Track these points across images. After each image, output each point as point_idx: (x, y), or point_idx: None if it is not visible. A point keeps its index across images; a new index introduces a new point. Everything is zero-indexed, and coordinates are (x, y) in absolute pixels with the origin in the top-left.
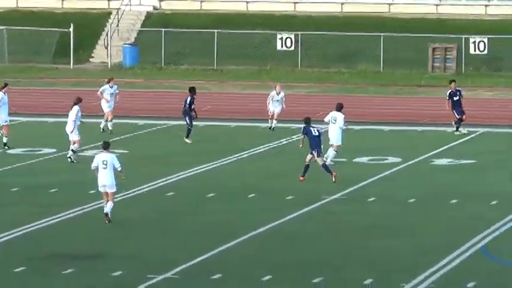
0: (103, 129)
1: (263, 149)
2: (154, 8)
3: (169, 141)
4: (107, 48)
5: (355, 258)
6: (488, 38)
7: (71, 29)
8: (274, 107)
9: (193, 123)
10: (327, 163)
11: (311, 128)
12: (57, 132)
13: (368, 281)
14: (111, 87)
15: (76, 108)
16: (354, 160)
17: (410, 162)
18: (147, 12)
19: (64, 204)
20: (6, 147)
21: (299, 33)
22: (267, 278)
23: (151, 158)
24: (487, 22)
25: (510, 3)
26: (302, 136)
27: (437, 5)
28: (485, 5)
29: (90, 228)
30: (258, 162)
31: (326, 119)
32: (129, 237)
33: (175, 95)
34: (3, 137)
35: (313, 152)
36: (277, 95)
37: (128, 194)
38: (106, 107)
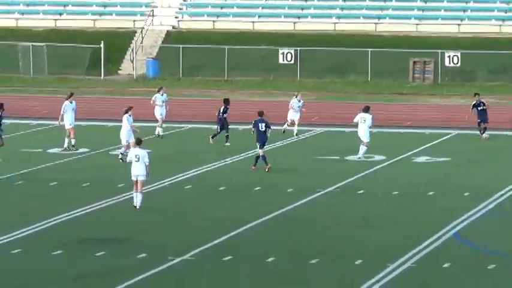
0: (158, 135)
1: (267, 148)
2: (173, 27)
3: (188, 142)
4: (132, 61)
5: (347, 243)
6: (461, 52)
7: (102, 46)
8: (293, 115)
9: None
10: (359, 158)
11: (259, 124)
12: (90, 134)
13: (358, 261)
14: (162, 95)
15: (125, 116)
16: (346, 158)
17: (393, 160)
18: (167, 31)
19: (95, 196)
20: (74, 148)
21: (298, 48)
22: (271, 259)
23: (171, 155)
24: (460, 39)
25: (480, 22)
26: (253, 129)
27: (417, 24)
28: (458, 24)
29: (119, 217)
30: (270, 157)
31: (355, 120)
32: (152, 225)
33: (192, 101)
34: (71, 139)
35: (257, 143)
36: (299, 101)
37: (151, 187)
38: (158, 114)
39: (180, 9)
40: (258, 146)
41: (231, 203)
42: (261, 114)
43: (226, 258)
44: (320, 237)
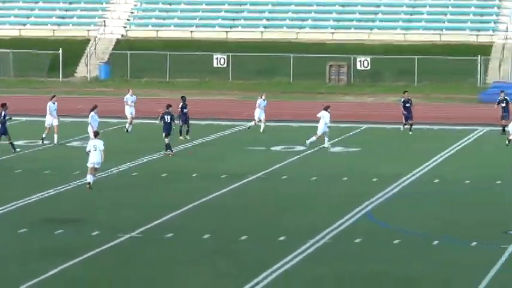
0: (127, 130)
1: (208, 140)
2: (122, 35)
3: (136, 136)
4: (87, 65)
5: (272, 222)
6: (370, 57)
7: (60, 52)
8: (260, 114)
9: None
10: (308, 142)
11: (165, 116)
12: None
13: (282, 238)
14: (132, 96)
15: (91, 114)
16: (272, 148)
17: (312, 150)
18: (117, 39)
19: (55, 182)
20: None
21: (230, 54)
22: (206, 236)
23: (123, 146)
24: (369, 46)
25: (387, 31)
26: (160, 121)
27: (332, 33)
28: (368, 33)
29: (75, 199)
30: (206, 148)
31: (318, 115)
32: (104, 207)
33: (138, 100)
34: (55, 135)
35: (163, 133)
36: (264, 101)
37: (103, 174)
38: (128, 112)
39: (128, 20)
40: (164, 135)
41: (172, 188)
42: (168, 107)
43: (169, 235)
44: (249, 217)
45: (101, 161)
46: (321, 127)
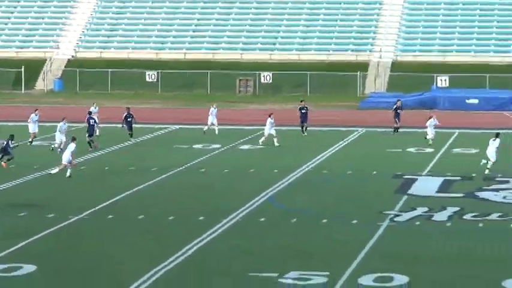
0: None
1: (142, 140)
2: (72, 56)
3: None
4: (44, 80)
5: (194, 205)
6: (272, 73)
7: (22, 69)
8: (213, 120)
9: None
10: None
11: (90, 120)
12: (15, 131)
13: (201, 218)
14: (95, 108)
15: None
16: (193, 146)
17: (226, 147)
18: (68, 59)
19: (18, 174)
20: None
21: (159, 71)
22: (140, 217)
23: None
24: (271, 64)
25: (284, 52)
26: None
27: (241, 54)
28: (270, 54)
29: (36, 188)
30: (140, 147)
31: (268, 121)
32: (60, 194)
33: (86, 109)
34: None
35: (87, 133)
36: (215, 109)
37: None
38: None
39: (77, 43)
40: (87, 135)
41: (114, 179)
42: (90, 113)
43: (110, 217)
44: (174, 202)
45: (70, 159)
46: (267, 130)
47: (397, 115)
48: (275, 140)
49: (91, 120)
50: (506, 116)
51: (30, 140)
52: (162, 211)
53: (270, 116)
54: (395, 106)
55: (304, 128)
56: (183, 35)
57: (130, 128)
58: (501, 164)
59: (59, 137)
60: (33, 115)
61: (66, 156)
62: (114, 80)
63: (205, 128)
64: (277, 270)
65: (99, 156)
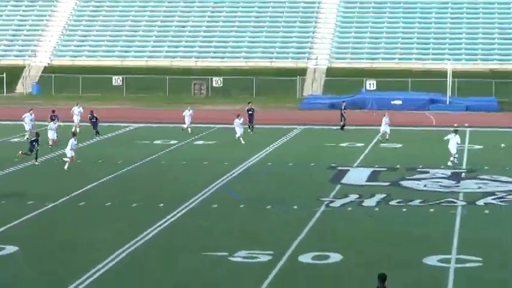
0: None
1: (108, 137)
2: (48, 63)
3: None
4: (23, 85)
5: (155, 194)
6: (222, 78)
7: (4, 75)
8: (188, 120)
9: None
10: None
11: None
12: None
13: (161, 204)
14: (79, 108)
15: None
16: (154, 142)
17: (182, 143)
18: (44, 66)
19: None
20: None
21: (125, 76)
22: (108, 203)
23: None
24: (222, 69)
25: (233, 59)
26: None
27: (196, 61)
28: (221, 61)
29: (19, 179)
30: (107, 142)
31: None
32: (38, 184)
33: (61, 109)
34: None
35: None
36: (189, 111)
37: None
38: (76, 120)
39: (52, 53)
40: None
41: (85, 170)
42: (53, 111)
43: (81, 204)
44: (137, 191)
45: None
46: (238, 130)
47: (342, 114)
48: (241, 138)
49: (93, 119)
50: (426, 115)
51: (26, 137)
52: (127, 198)
53: (237, 117)
54: (343, 106)
55: (251, 127)
56: (145, 44)
57: (95, 127)
58: (422, 156)
59: (51, 135)
60: (27, 114)
61: (68, 150)
62: (84, 84)
63: (185, 126)
64: (228, 250)
65: (84, 150)
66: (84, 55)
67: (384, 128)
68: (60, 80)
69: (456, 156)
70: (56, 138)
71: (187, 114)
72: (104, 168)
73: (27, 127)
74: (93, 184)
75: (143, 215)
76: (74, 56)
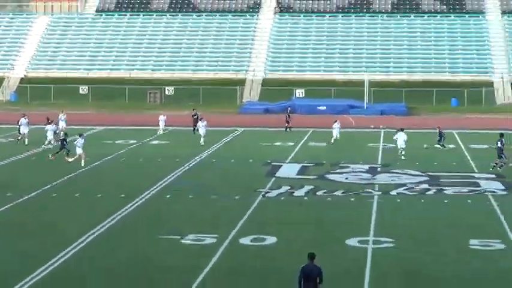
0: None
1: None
2: (25, 75)
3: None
4: (3, 93)
5: (115, 186)
6: (174, 87)
7: None
8: (162, 124)
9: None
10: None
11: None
12: None
13: (122, 195)
14: (64, 115)
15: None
16: (116, 142)
17: (141, 142)
18: (21, 78)
19: None
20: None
21: (90, 86)
22: (77, 194)
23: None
24: (173, 80)
25: (183, 72)
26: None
27: (151, 73)
28: (172, 72)
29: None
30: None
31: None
32: (15, 179)
33: (35, 115)
34: (25, 139)
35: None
36: (164, 116)
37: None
38: (61, 126)
39: (28, 66)
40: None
41: (56, 166)
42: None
43: (54, 195)
44: (100, 183)
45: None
46: (202, 131)
47: (287, 118)
48: (202, 139)
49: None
50: (346, 118)
51: (19, 138)
52: (92, 190)
53: (201, 120)
54: (288, 111)
55: (195, 129)
56: (108, 58)
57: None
58: (344, 153)
59: (50, 135)
60: (22, 119)
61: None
62: (55, 93)
63: (160, 131)
64: (179, 234)
65: (47, 150)
66: (55, 68)
67: (336, 132)
68: (34, 90)
69: (403, 151)
70: (52, 138)
71: (161, 119)
72: (73, 164)
73: (22, 130)
74: (64, 178)
75: (106, 203)
76: (46, 69)
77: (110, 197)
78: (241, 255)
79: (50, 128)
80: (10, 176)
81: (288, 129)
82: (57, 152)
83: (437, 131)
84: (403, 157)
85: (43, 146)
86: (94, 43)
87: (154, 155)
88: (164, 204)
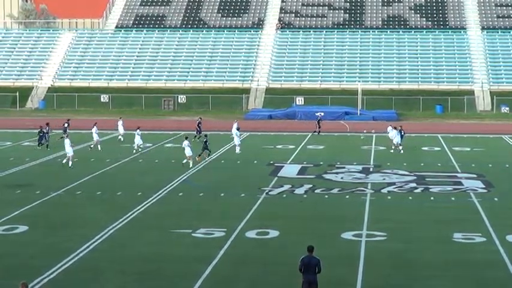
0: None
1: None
2: (51, 85)
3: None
4: (32, 101)
5: (134, 184)
6: (186, 95)
7: (17, 94)
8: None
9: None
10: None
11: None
12: (13, 136)
13: (139, 193)
14: (121, 119)
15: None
16: (133, 145)
17: (156, 145)
18: (48, 87)
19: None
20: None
21: (110, 94)
22: (99, 192)
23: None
24: (185, 89)
25: (194, 81)
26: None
27: (165, 82)
28: (184, 82)
29: (25, 174)
30: (95, 146)
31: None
32: (42, 178)
33: (63, 119)
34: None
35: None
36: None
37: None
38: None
39: (54, 76)
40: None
41: (80, 167)
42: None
43: (78, 193)
44: (122, 182)
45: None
46: (237, 141)
47: (319, 122)
48: (238, 148)
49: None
50: (342, 123)
51: (91, 146)
52: (114, 188)
53: (238, 129)
54: (318, 117)
55: (199, 135)
56: (126, 69)
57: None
58: (340, 155)
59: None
60: (94, 128)
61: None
62: (79, 101)
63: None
64: (190, 228)
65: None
66: (78, 78)
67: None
68: (60, 98)
69: (400, 146)
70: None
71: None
72: (95, 165)
73: (95, 137)
74: (88, 177)
75: (125, 200)
76: (71, 79)
77: (129, 195)
78: (247, 247)
79: (137, 133)
80: (37, 175)
81: (317, 133)
82: (201, 154)
83: (399, 130)
84: (401, 150)
85: (136, 148)
86: (114, 56)
87: (168, 157)
88: (178, 201)
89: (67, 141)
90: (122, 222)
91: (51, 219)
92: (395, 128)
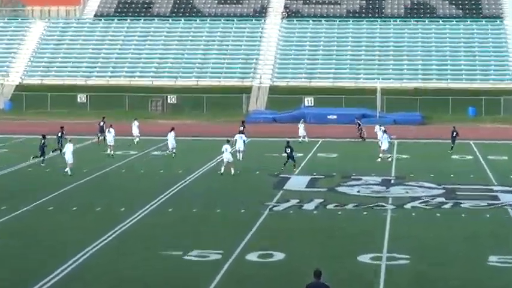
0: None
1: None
2: (19, 83)
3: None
4: None
5: (120, 196)
6: (176, 96)
7: None
8: (135, 131)
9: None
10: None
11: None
12: None
13: (122, 209)
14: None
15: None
16: (116, 152)
17: (142, 153)
18: (16, 85)
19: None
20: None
21: (88, 94)
22: (74, 208)
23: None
24: (176, 88)
25: (186, 80)
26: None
27: (152, 81)
28: (175, 80)
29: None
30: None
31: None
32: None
33: (29, 124)
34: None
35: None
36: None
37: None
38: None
39: (23, 73)
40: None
41: (58, 177)
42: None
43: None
44: (104, 194)
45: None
46: (241, 147)
47: (359, 127)
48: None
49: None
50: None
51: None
52: (93, 203)
53: (243, 133)
54: (357, 121)
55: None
56: (107, 65)
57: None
58: (355, 165)
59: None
60: (109, 129)
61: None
62: (52, 101)
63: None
64: (182, 250)
65: (53, 159)
66: (51, 75)
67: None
68: (30, 98)
69: (389, 154)
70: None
71: (134, 125)
72: (72, 176)
73: (109, 140)
74: (64, 189)
75: (108, 216)
76: (43, 76)
77: (110, 210)
78: (248, 272)
79: (170, 135)
80: (22, 184)
81: (362, 139)
82: (286, 163)
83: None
84: (389, 159)
85: (167, 153)
86: (93, 49)
87: (156, 167)
88: (167, 218)
89: (70, 146)
90: (103, 242)
91: (19, 237)
92: (385, 132)
